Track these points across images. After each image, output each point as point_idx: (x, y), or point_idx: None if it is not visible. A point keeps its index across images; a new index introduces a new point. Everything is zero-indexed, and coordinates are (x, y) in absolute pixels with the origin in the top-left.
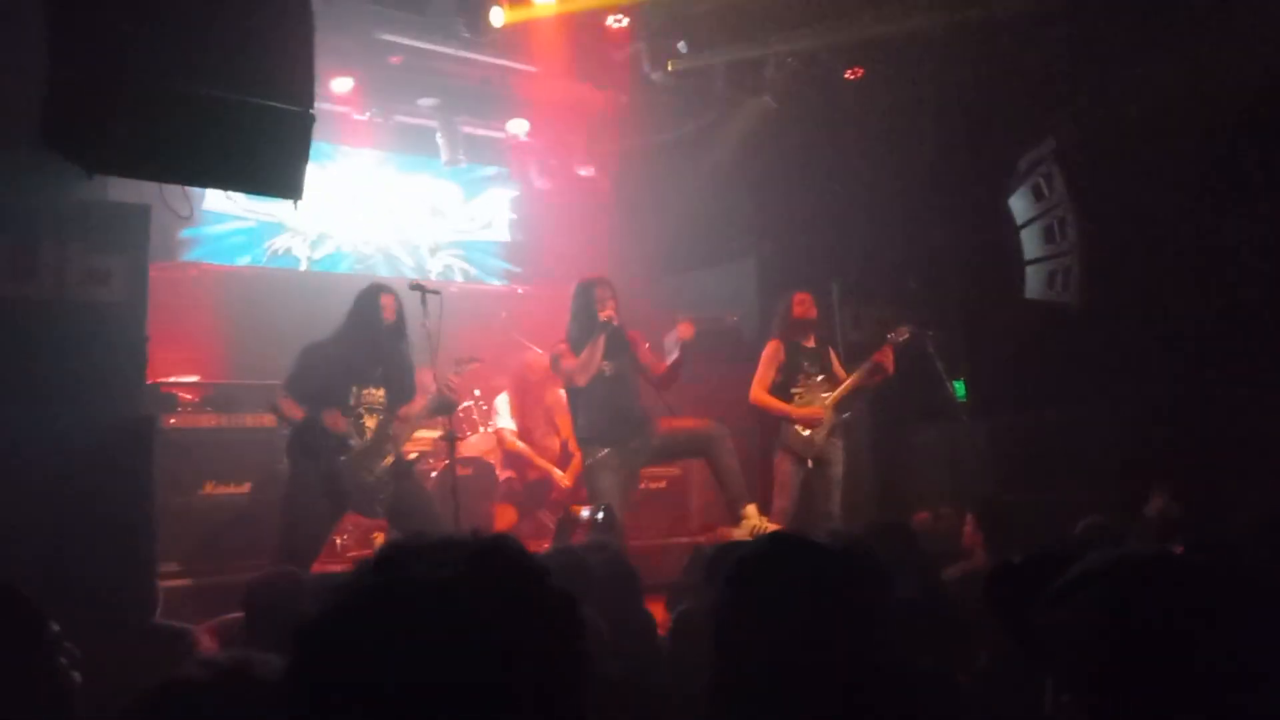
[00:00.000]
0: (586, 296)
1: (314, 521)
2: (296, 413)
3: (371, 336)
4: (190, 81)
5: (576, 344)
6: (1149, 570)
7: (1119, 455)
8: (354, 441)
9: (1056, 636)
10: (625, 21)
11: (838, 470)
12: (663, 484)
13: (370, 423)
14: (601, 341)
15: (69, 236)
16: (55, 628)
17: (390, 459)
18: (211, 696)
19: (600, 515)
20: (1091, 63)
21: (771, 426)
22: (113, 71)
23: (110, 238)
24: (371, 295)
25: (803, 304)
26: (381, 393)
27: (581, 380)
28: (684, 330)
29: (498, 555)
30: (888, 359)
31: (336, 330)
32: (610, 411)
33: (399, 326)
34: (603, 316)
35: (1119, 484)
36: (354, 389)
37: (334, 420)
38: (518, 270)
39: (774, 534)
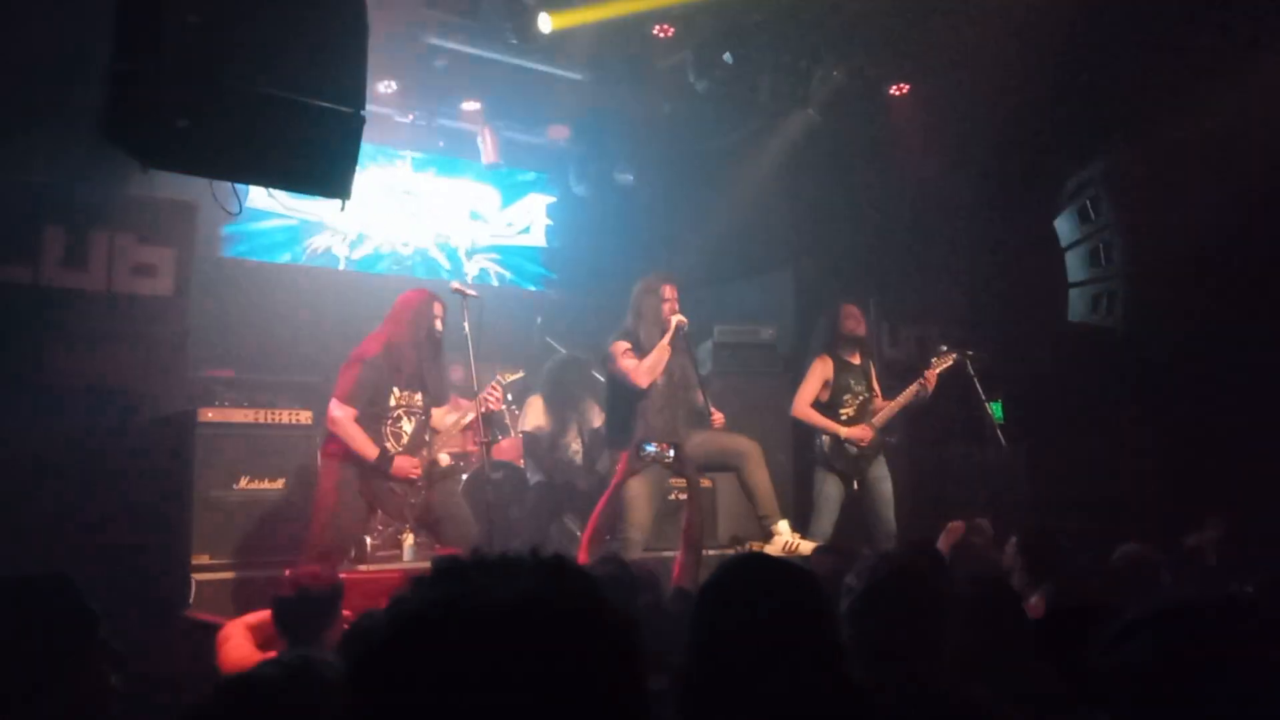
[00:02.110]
0: (655, 295)
1: (347, 521)
2: (354, 429)
3: (420, 341)
4: (249, 80)
5: (639, 343)
6: (1203, 614)
7: (1158, 484)
8: (390, 445)
9: (1113, 678)
10: (671, 30)
11: (888, 486)
12: None
13: (407, 426)
14: (668, 344)
15: (120, 229)
16: (103, 632)
17: (425, 464)
18: (279, 694)
19: (670, 455)
20: (1143, 84)
21: (811, 444)
22: (177, 67)
23: (159, 232)
24: (427, 303)
25: (852, 317)
26: (419, 396)
27: (644, 382)
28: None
29: (564, 575)
30: (929, 385)
31: (380, 331)
32: (653, 419)
33: (441, 334)
34: (677, 319)
35: (1158, 512)
36: (395, 391)
37: (404, 468)
38: (553, 276)
39: (747, 553)
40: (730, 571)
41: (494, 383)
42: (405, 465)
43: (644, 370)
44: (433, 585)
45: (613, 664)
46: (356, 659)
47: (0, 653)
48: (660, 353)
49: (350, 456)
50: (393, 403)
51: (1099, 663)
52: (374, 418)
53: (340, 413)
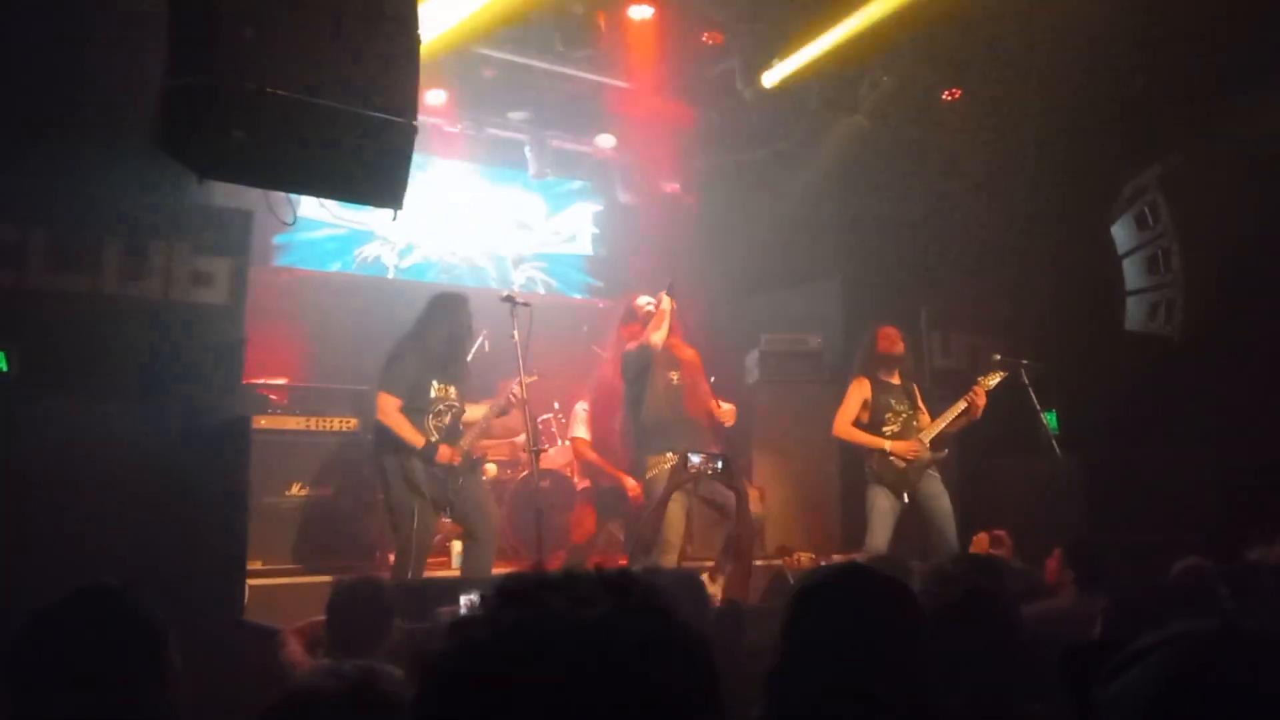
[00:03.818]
0: (631, 312)
1: (412, 515)
2: (401, 419)
3: (458, 340)
4: (304, 92)
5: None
6: (1209, 643)
7: (1220, 496)
8: (434, 439)
9: (1114, 711)
10: (720, 39)
11: (946, 503)
12: None
13: (445, 420)
14: (667, 301)
15: (177, 239)
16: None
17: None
18: (339, 707)
19: (719, 465)
20: (1200, 88)
21: (860, 461)
22: (233, 80)
23: (215, 241)
24: (463, 305)
25: (888, 338)
26: (454, 390)
27: (656, 340)
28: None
29: (636, 594)
30: (978, 401)
31: (418, 330)
32: (677, 420)
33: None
34: (663, 294)
35: (1219, 526)
36: (434, 384)
37: (447, 456)
38: (599, 284)
39: (846, 563)
40: (832, 577)
41: (514, 387)
42: (447, 453)
43: (649, 332)
44: (501, 609)
45: (689, 685)
46: (425, 686)
47: (69, 665)
48: (659, 315)
49: (400, 449)
50: (433, 395)
51: (1099, 694)
52: (417, 410)
53: (386, 403)
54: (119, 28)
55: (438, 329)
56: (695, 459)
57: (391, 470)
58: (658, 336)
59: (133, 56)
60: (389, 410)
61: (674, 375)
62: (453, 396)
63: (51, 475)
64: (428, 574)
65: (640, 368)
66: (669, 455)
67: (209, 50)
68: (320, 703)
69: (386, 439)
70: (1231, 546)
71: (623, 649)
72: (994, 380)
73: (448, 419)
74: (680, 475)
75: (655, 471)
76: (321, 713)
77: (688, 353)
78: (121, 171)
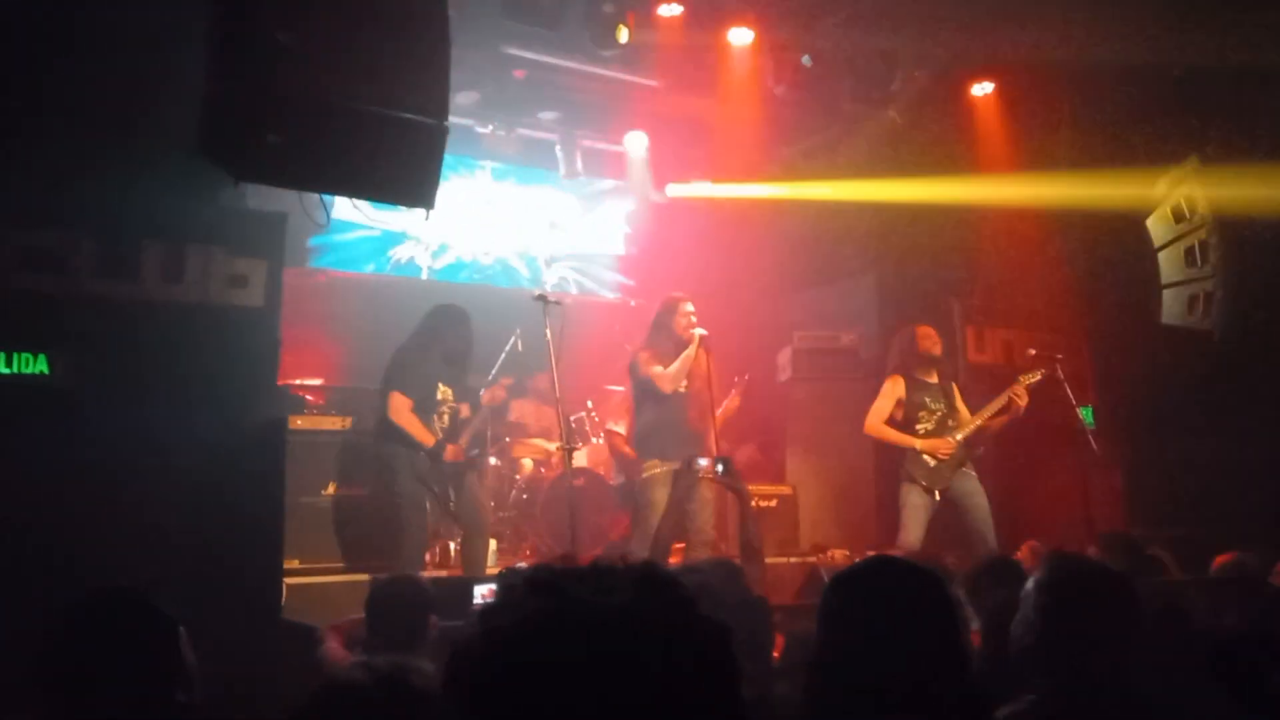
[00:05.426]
0: (675, 312)
1: (423, 508)
2: (414, 418)
3: (464, 346)
4: (337, 94)
5: (661, 354)
6: None
7: (1260, 491)
8: (439, 438)
9: None
10: (750, 36)
11: (982, 501)
12: (773, 503)
13: (446, 419)
14: (695, 353)
15: (213, 242)
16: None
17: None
18: (371, 700)
19: (720, 468)
20: (1239, 78)
21: (894, 458)
22: (267, 84)
23: (250, 244)
24: (467, 318)
25: (927, 338)
26: (452, 392)
27: (668, 387)
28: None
29: (659, 585)
30: (1020, 400)
31: (428, 336)
32: (675, 428)
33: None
34: (698, 332)
35: (1258, 521)
36: (440, 386)
37: (454, 453)
38: (631, 283)
39: (878, 555)
40: (865, 567)
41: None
42: (453, 451)
43: (669, 376)
44: (527, 597)
45: (711, 674)
46: (451, 671)
47: (79, 667)
48: (685, 361)
49: (409, 443)
50: (439, 396)
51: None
52: (425, 410)
53: (399, 401)
54: (157, 31)
55: (448, 336)
56: (702, 462)
57: (402, 462)
58: (669, 385)
59: (170, 61)
60: (402, 409)
61: (681, 383)
62: (451, 398)
63: (91, 477)
64: (449, 573)
65: (645, 390)
66: (658, 462)
67: (245, 55)
68: (352, 695)
69: (394, 433)
70: (1275, 542)
71: (644, 638)
72: (1035, 378)
73: (448, 419)
74: (686, 479)
75: (648, 475)
76: (353, 705)
77: (699, 362)
78: (159, 176)
